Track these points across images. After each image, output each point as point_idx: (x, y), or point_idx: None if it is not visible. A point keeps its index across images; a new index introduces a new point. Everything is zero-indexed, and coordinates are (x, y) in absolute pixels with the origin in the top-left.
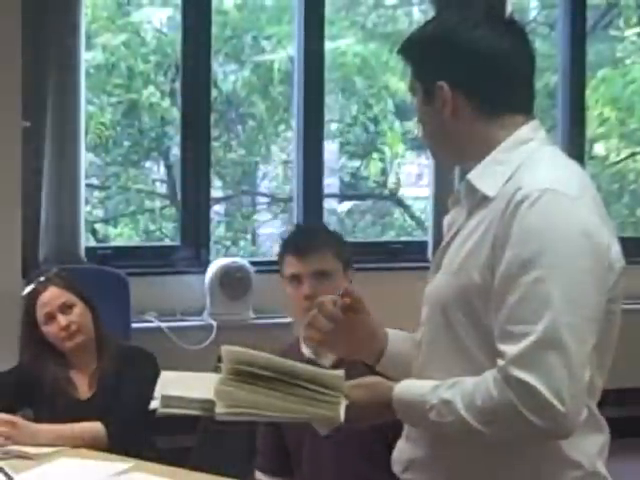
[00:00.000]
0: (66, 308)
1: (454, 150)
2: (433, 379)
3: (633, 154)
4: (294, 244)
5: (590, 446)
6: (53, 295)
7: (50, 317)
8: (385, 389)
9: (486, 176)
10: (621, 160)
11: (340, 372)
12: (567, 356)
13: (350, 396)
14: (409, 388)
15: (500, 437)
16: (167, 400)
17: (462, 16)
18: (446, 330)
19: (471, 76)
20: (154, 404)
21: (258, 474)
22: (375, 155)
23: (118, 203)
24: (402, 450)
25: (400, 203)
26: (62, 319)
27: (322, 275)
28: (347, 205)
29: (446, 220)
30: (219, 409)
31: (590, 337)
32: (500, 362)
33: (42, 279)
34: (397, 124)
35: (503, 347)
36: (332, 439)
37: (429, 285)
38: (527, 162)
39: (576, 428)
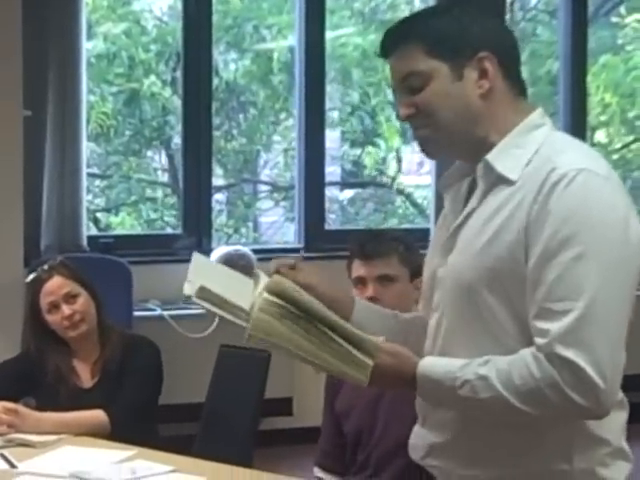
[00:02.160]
0: (70, 298)
1: (475, 137)
2: None
3: (635, 140)
4: (360, 248)
5: (616, 423)
6: (57, 284)
7: (54, 306)
8: (410, 363)
9: (504, 158)
10: (623, 147)
11: (380, 338)
12: (608, 333)
13: (374, 357)
14: (434, 364)
15: (539, 414)
16: (203, 292)
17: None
18: (472, 313)
19: (507, 52)
20: (186, 288)
21: (316, 470)
22: (373, 145)
23: (120, 192)
24: (420, 435)
25: (401, 191)
26: (66, 309)
27: (386, 279)
28: (349, 193)
29: (447, 205)
30: (252, 332)
31: (627, 315)
32: (540, 340)
33: (46, 268)
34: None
35: (543, 325)
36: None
37: (441, 268)
38: (545, 146)
39: (613, 406)
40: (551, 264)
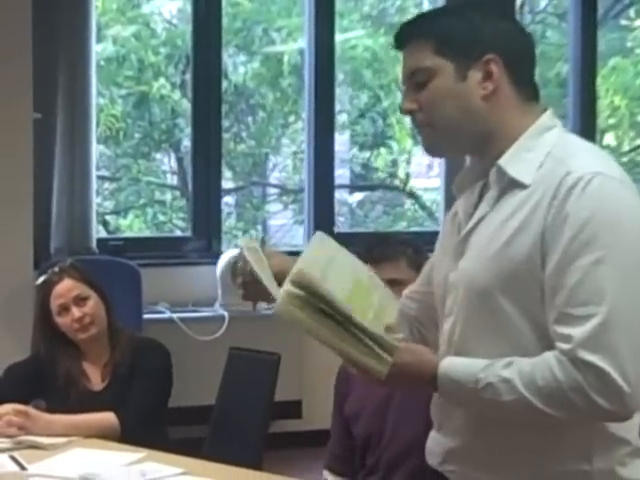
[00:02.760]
0: (80, 300)
1: (477, 136)
2: None
3: None
4: (369, 252)
5: (634, 423)
6: (67, 287)
7: (64, 309)
8: (431, 362)
9: (516, 163)
10: (632, 149)
11: (400, 335)
12: (631, 337)
13: (395, 355)
14: (455, 364)
15: (563, 417)
16: (251, 251)
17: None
18: (486, 318)
19: (517, 55)
20: (242, 240)
21: (326, 473)
22: (385, 147)
23: (129, 195)
24: (436, 441)
25: (411, 194)
26: (76, 311)
27: (395, 283)
28: (358, 196)
29: (460, 207)
30: (278, 313)
31: None
32: (563, 345)
33: (57, 270)
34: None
35: (565, 330)
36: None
37: (452, 273)
38: (557, 148)
39: (637, 409)
40: (571, 269)
